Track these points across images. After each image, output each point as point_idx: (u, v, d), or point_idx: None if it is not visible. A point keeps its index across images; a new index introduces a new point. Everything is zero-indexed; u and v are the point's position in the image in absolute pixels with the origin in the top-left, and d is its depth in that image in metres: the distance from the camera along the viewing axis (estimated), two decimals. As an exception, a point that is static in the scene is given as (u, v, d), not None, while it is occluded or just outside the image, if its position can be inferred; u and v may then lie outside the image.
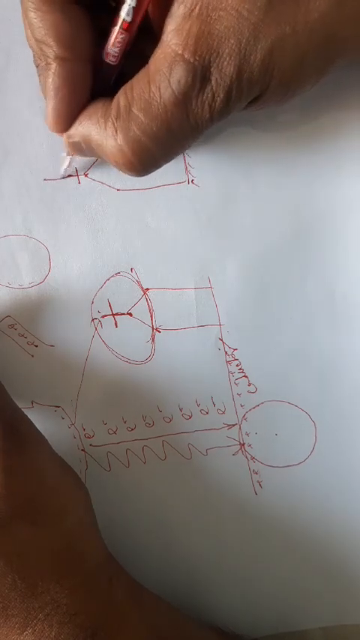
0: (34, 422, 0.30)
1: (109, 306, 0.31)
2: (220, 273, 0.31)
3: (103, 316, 0.31)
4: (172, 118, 0.23)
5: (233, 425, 0.32)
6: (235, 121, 0.29)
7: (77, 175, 0.30)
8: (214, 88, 0.22)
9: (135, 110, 0.23)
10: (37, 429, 0.30)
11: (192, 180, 0.30)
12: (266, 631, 0.34)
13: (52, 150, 0.30)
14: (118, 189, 0.30)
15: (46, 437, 0.30)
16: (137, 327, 0.31)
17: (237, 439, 0.32)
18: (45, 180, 0.30)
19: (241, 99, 0.23)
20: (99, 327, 0.32)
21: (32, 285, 0.31)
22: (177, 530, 0.33)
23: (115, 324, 0.31)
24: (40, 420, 0.31)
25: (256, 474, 0.33)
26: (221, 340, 0.31)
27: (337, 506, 0.33)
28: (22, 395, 0.32)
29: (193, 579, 0.34)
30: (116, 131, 0.23)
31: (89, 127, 0.24)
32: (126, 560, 0.30)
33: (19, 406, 0.30)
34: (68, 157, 0.29)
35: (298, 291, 0.31)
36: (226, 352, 0.32)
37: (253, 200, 0.30)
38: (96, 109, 0.24)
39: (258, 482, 0.33)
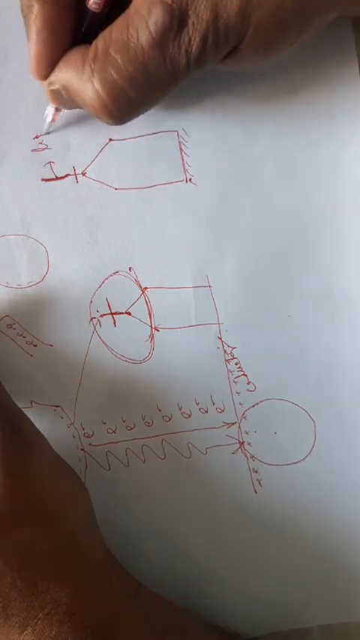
0: (33, 421, 0.30)
1: (108, 305, 0.31)
2: (218, 272, 0.31)
3: (101, 315, 0.31)
4: (149, 61, 0.23)
5: (232, 423, 0.32)
6: (234, 120, 0.29)
7: (75, 174, 0.30)
8: (190, 31, 0.22)
9: (112, 52, 0.23)
10: (36, 429, 0.30)
11: (190, 179, 0.30)
12: (266, 629, 0.34)
13: (51, 150, 0.30)
14: (116, 189, 0.30)
15: (46, 436, 0.30)
16: (136, 326, 0.31)
17: (236, 438, 0.32)
18: (43, 180, 0.30)
19: (218, 46, 0.23)
20: (98, 327, 0.31)
21: (31, 284, 0.31)
22: (177, 529, 0.33)
23: (114, 323, 0.31)
24: (39, 419, 0.31)
25: (256, 472, 0.33)
26: (220, 339, 0.31)
27: (336, 505, 0.33)
28: (21, 394, 0.32)
29: (192, 578, 0.34)
30: (93, 73, 0.23)
31: (68, 72, 0.24)
32: (126, 559, 0.30)
33: (19, 406, 0.30)
34: (52, 110, 0.28)
35: (297, 289, 0.31)
36: (225, 351, 0.32)
37: (251, 198, 0.30)
38: (75, 54, 0.24)
39: (257, 480, 0.33)
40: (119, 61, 0.23)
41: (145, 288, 0.31)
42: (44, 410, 0.32)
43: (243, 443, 0.32)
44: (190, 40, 0.22)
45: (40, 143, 0.30)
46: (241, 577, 0.34)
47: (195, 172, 0.30)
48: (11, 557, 0.24)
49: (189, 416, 0.32)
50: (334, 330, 0.31)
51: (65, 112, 0.29)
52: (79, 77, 0.24)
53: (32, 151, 0.30)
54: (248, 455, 0.32)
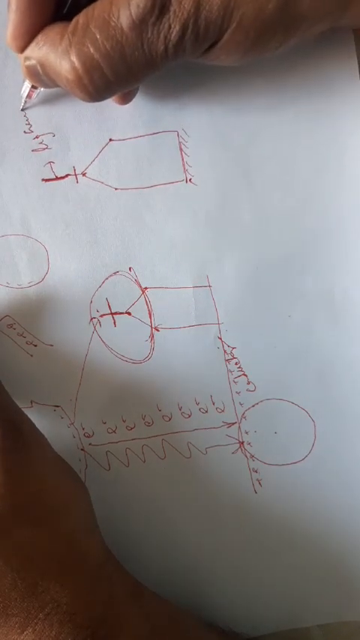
0: (33, 421, 0.30)
1: (108, 305, 0.31)
2: (218, 272, 0.31)
3: (101, 315, 0.31)
4: (126, 42, 0.23)
5: (232, 423, 0.32)
6: (234, 120, 0.29)
7: (75, 175, 0.30)
8: (171, 19, 0.22)
9: (92, 27, 0.23)
10: (37, 429, 0.30)
11: (190, 179, 0.30)
12: (266, 629, 0.34)
13: (51, 150, 0.30)
14: (116, 189, 0.30)
15: (46, 436, 0.30)
16: (136, 326, 0.31)
17: (236, 437, 0.32)
18: (43, 180, 0.30)
19: (197, 38, 0.23)
20: (98, 327, 0.31)
21: (31, 284, 0.31)
22: (177, 528, 0.33)
23: (114, 323, 0.31)
24: (39, 419, 0.31)
25: (256, 472, 0.33)
26: (220, 339, 0.31)
27: (336, 504, 0.33)
28: (22, 394, 0.32)
29: (192, 578, 0.34)
30: (70, 46, 0.23)
31: (45, 46, 0.24)
32: (126, 558, 0.30)
33: (19, 406, 0.30)
34: (28, 86, 0.28)
35: (297, 289, 0.31)
36: (225, 351, 0.32)
37: (251, 198, 0.30)
38: (54, 28, 0.24)
39: (257, 480, 0.33)
40: (98, 36, 0.23)
41: (145, 288, 0.31)
42: (44, 410, 0.32)
43: (243, 443, 0.32)
44: (169, 28, 0.22)
45: (41, 143, 0.30)
46: (241, 577, 0.34)
47: (195, 172, 0.30)
48: (11, 557, 0.24)
49: (189, 416, 0.32)
50: (334, 330, 0.31)
51: (43, 90, 0.29)
52: (55, 51, 0.24)
53: (32, 150, 0.30)
54: (248, 455, 0.32)
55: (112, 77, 0.24)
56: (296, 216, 0.30)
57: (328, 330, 0.31)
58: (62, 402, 0.32)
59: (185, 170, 0.30)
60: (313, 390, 0.32)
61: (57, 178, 0.30)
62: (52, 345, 0.32)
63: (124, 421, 0.32)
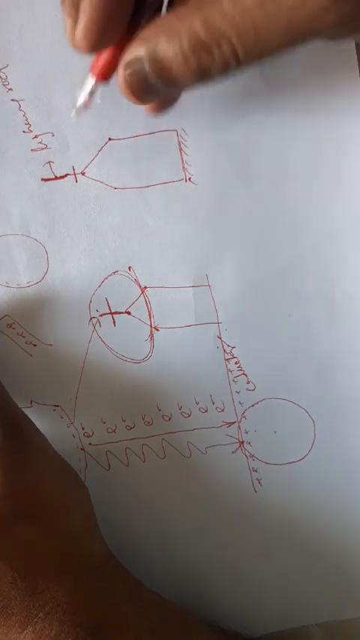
0: (33, 421, 0.30)
1: (108, 305, 0.31)
2: (218, 271, 0.31)
3: (101, 315, 0.31)
4: (262, 12, 0.19)
5: (232, 423, 0.32)
6: (234, 119, 0.29)
7: (75, 174, 0.30)
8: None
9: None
10: (37, 429, 0.30)
11: (189, 178, 0.30)
12: (266, 629, 0.34)
13: (50, 149, 0.30)
14: (115, 188, 0.30)
15: (45, 436, 0.30)
16: (136, 326, 0.31)
17: (236, 437, 0.32)
18: (42, 179, 0.30)
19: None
20: (97, 326, 0.32)
21: (30, 284, 0.31)
22: (176, 528, 0.33)
23: (114, 322, 0.31)
24: (39, 419, 0.31)
25: (256, 471, 0.33)
26: (220, 338, 0.31)
27: (336, 503, 0.33)
28: (21, 394, 0.32)
29: (192, 578, 0.34)
30: (195, 19, 0.20)
31: (158, 37, 0.20)
32: (125, 558, 0.30)
33: (19, 405, 0.30)
34: (86, 94, 0.24)
35: (296, 288, 0.31)
36: (224, 350, 0.32)
37: (250, 197, 0.30)
38: (168, 17, 0.20)
39: (257, 480, 0.33)
40: (225, 4, 0.19)
41: (145, 287, 0.31)
42: (44, 409, 0.32)
43: (243, 442, 0.32)
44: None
45: (40, 142, 0.30)
46: (241, 577, 0.34)
47: (194, 172, 0.30)
48: (12, 557, 0.24)
49: (189, 415, 0.32)
50: (333, 330, 0.31)
51: (102, 93, 0.25)
52: (172, 34, 0.20)
53: (32, 150, 0.30)
54: (248, 454, 0.32)
55: (240, 47, 0.20)
56: (296, 216, 0.30)
57: (327, 329, 0.31)
58: (62, 401, 0.32)
59: (185, 169, 0.30)
60: (312, 389, 0.32)
61: (56, 178, 0.30)
62: (51, 345, 0.32)
63: (123, 421, 0.32)
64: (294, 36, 0.20)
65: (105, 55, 0.23)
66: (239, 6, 0.19)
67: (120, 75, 0.22)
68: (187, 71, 0.21)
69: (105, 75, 0.23)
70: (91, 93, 0.24)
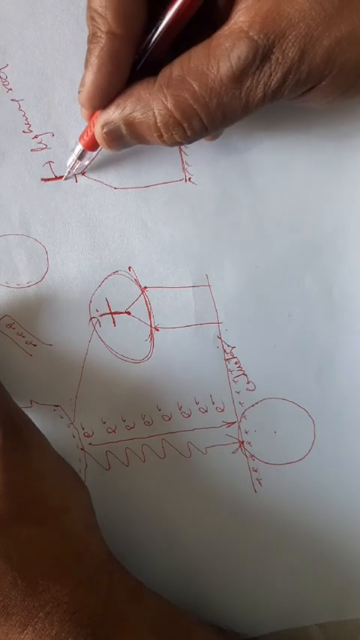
0: (33, 421, 0.30)
1: (108, 305, 0.31)
2: (217, 271, 0.31)
3: (101, 315, 0.31)
4: (225, 92, 0.23)
5: (232, 423, 0.32)
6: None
7: (75, 174, 0.30)
8: (272, 67, 0.22)
9: (189, 79, 0.23)
10: (37, 429, 0.30)
11: (189, 179, 0.30)
12: (266, 629, 0.34)
13: (50, 149, 0.30)
14: (115, 188, 0.30)
15: (45, 436, 0.30)
16: (135, 326, 0.31)
17: (236, 437, 0.32)
18: (42, 179, 0.30)
19: (297, 84, 0.23)
20: (97, 326, 0.32)
21: (30, 284, 0.31)
22: (176, 528, 0.33)
23: (114, 322, 0.31)
24: (39, 419, 0.31)
25: (256, 471, 0.33)
26: (220, 338, 0.31)
27: (336, 503, 0.33)
28: (21, 394, 0.32)
29: (192, 577, 0.34)
30: (166, 97, 0.23)
31: (130, 105, 0.24)
32: (125, 558, 0.30)
33: (19, 405, 0.30)
34: (74, 158, 0.29)
35: (296, 288, 0.31)
36: (224, 350, 0.32)
37: (250, 198, 0.30)
38: (137, 88, 0.24)
39: (257, 480, 0.33)
40: (195, 87, 0.23)
41: (145, 287, 0.31)
42: (44, 409, 0.32)
43: (243, 442, 0.32)
44: (270, 75, 0.22)
45: (40, 142, 0.30)
46: (241, 576, 0.34)
47: (194, 172, 0.30)
48: (12, 556, 0.24)
49: (189, 415, 0.32)
50: (333, 330, 0.31)
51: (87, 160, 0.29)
52: (144, 105, 0.24)
53: (32, 150, 0.30)
54: (248, 454, 0.32)
55: (208, 123, 0.24)
56: (295, 216, 0.30)
57: (327, 329, 0.31)
58: (62, 401, 0.32)
59: (184, 169, 0.30)
60: (312, 389, 0.32)
61: (56, 178, 0.30)
62: (51, 345, 0.32)
63: (123, 421, 0.32)
64: (253, 108, 0.24)
65: (92, 129, 0.26)
66: (208, 89, 0.23)
67: (97, 131, 0.26)
68: (159, 139, 0.25)
69: (91, 147, 0.28)
70: (80, 158, 0.28)
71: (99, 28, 0.23)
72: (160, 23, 0.23)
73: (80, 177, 0.30)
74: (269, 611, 0.34)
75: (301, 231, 0.30)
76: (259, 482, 0.33)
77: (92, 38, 0.24)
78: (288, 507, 0.33)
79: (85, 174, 0.30)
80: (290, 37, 0.22)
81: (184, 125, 0.24)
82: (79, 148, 0.28)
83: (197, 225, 0.30)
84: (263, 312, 0.31)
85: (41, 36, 0.29)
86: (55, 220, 0.31)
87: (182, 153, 0.30)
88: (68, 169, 0.29)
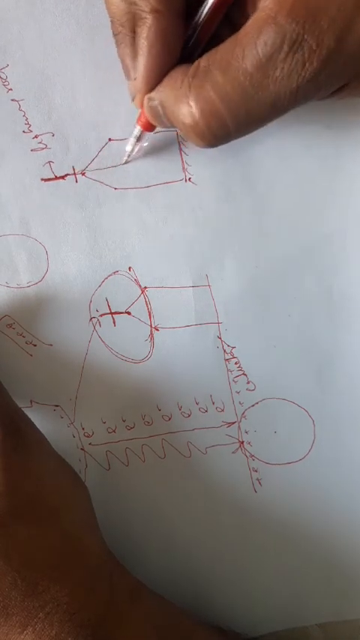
0: (33, 421, 0.30)
1: (108, 305, 0.31)
2: (217, 271, 0.31)
3: (101, 315, 0.31)
4: (250, 83, 0.21)
5: (232, 423, 0.32)
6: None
7: (75, 174, 0.30)
8: (306, 55, 0.20)
9: (213, 69, 0.22)
10: (37, 428, 0.30)
11: (189, 179, 0.30)
12: (266, 629, 0.34)
13: (50, 150, 0.30)
14: (115, 188, 0.30)
15: (45, 436, 0.30)
16: (135, 326, 0.31)
17: (236, 437, 0.32)
18: (42, 179, 0.30)
19: (334, 75, 0.21)
20: (97, 326, 0.32)
21: (30, 284, 0.31)
22: (176, 528, 0.33)
23: (114, 322, 0.31)
24: (39, 419, 0.31)
25: (256, 471, 0.33)
26: (220, 338, 0.31)
27: (336, 503, 0.33)
28: (21, 394, 0.32)
29: (192, 577, 0.34)
30: (190, 89, 0.22)
31: (167, 89, 0.23)
32: (126, 559, 0.30)
33: (19, 405, 0.30)
34: (133, 141, 0.28)
35: (296, 289, 0.31)
36: (224, 350, 0.32)
37: (250, 198, 0.30)
38: (178, 70, 0.23)
39: (257, 480, 0.33)
40: (219, 78, 0.21)
41: (145, 287, 0.31)
42: (44, 409, 0.32)
43: (243, 442, 0.32)
44: (304, 64, 0.20)
45: (40, 142, 0.30)
46: (241, 577, 0.34)
47: (194, 172, 0.30)
48: (12, 557, 0.24)
49: (189, 415, 0.32)
50: (333, 329, 0.31)
51: (146, 145, 0.29)
52: (174, 94, 0.23)
53: (32, 150, 0.30)
54: (248, 454, 0.32)
55: (232, 122, 0.22)
56: (295, 216, 0.30)
57: (327, 328, 0.31)
58: (62, 401, 0.32)
59: (185, 169, 0.30)
60: (312, 389, 0.32)
61: (56, 178, 0.30)
62: (51, 345, 0.32)
63: (123, 421, 0.32)
64: (283, 106, 0.22)
65: None
66: (232, 79, 0.21)
67: (145, 103, 0.25)
68: (187, 135, 0.24)
69: (148, 127, 0.27)
70: (139, 139, 0.28)
71: (142, 10, 0.22)
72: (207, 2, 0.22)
73: (80, 177, 0.30)
74: (269, 611, 0.34)
75: (302, 231, 0.30)
76: (259, 482, 0.33)
77: (137, 21, 0.23)
78: (288, 507, 0.33)
79: (86, 174, 0.30)
80: (323, 23, 0.20)
81: (202, 126, 0.23)
82: (137, 129, 0.28)
83: (197, 225, 0.30)
84: (263, 312, 0.31)
85: (41, 36, 0.29)
86: (55, 220, 0.31)
87: (182, 153, 0.30)
88: (128, 153, 0.29)
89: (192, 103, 0.22)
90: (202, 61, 0.22)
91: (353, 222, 0.30)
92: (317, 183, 0.30)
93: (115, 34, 0.24)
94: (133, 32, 0.23)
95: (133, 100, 0.26)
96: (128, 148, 0.29)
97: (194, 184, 0.30)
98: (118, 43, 0.24)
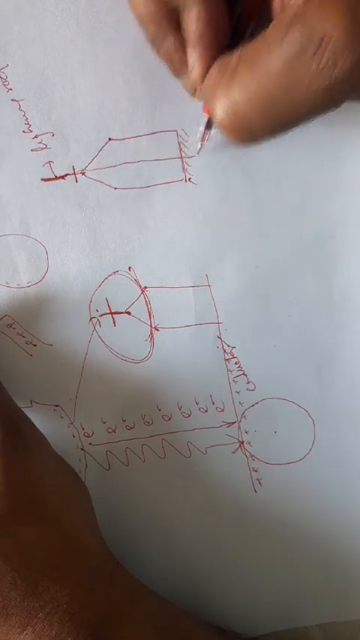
0: (33, 421, 0.30)
1: (108, 305, 0.31)
2: (218, 271, 0.31)
3: (101, 315, 0.31)
4: (274, 84, 0.20)
5: (232, 423, 0.32)
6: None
7: (75, 174, 0.30)
8: (338, 52, 0.19)
9: (241, 68, 0.21)
10: (37, 428, 0.30)
11: (189, 179, 0.30)
12: (266, 629, 0.34)
13: (50, 149, 0.30)
14: (115, 188, 0.30)
15: (45, 436, 0.30)
16: (135, 326, 0.31)
17: (236, 437, 0.32)
18: (42, 179, 0.30)
19: None
20: (97, 326, 0.32)
21: (30, 284, 0.31)
22: (176, 528, 0.33)
23: (114, 322, 0.31)
24: (39, 419, 0.31)
25: (256, 471, 0.33)
26: (220, 338, 0.31)
27: (336, 503, 0.33)
28: (21, 394, 0.32)
29: (192, 578, 0.34)
30: (218, 87, 0.22)
31: (206, 81, 0.23)
32: (125, 558, 0.30)
33: (19, 405, 0.30)
34: (202, 129, 0.28)
35: (296, 289, 0.31)
36: (224, 350, 0.32)
37: (250, 198, 0.30)
38: (218, 62, 0.23)
39: (257, 480, 0.33)
40: (245, 77, 0.21)
41: (145, 287, 0.31)
42: (44, 409, 0.32)
43: (243, 442, 0.32)
44: (336, 63, 0.19)
45: (40, 142, 0.30)
46: (241, 577, 0.34)
47: (194, 172, 0.30)
48: (12, 557, 0.24)
49: (189, 415, 0.32)
50: (333, 329, 0.31)
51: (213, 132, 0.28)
52: (210, 88, 0.22)
53: (32, 150, 0.30)
54: (248, 454, 0.32)
55: (257, 124, 0.22)
56: (296, 216, 0.30)
57: (327, 328, 0.31)
58: (62, 401, 0.32)
59: (185, 169, 0.30)
60: (312, 389, 0.32)
61: (56, 178, 0.30)
62: (51, 345, 0.32)
63: (123, 421, 0.32)
64: (309, 111, 0.21)
65: None
66: (255, 80, 0.21)
67: (198, 93, 0.25)
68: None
69: None
70: (208, 127, 0.28)
71: (186, 1, 0.22)
72: None
73: (80, 177, 0.30)
74: (269, 612, 0.34)
75: (302, 231, 0.30)
76: (259, 482, 0.33)
77: (182, 13, 0.22)
78: (288, 507, 0.33)
79: (86, 174, 0.30)
80: (357, 20, 0.18)
81: (227, 124, 0.22)
82: (204, 117, 0.27)
83: (197, 225, 0.30)
84: (263, 312, 0.31)
85: (41, 36, 0.29)
86: (55, 220, 0.31)
87: (182, 153, 0.30)
88: (199, 142, 0.28)
89: (220, 101, 0.22)
90: (234, 58, 0.22)
91: (353, 222, 0.30)
92: (318, 184, 0.30)
93: (149, 35, 0.24)
94: (176, 26, 0.23)
95: (193, 94, 0.25)
96: (198, 135, 0.28)
97: (194, 184, 0.30)
98: (157, 42, 0.24)
